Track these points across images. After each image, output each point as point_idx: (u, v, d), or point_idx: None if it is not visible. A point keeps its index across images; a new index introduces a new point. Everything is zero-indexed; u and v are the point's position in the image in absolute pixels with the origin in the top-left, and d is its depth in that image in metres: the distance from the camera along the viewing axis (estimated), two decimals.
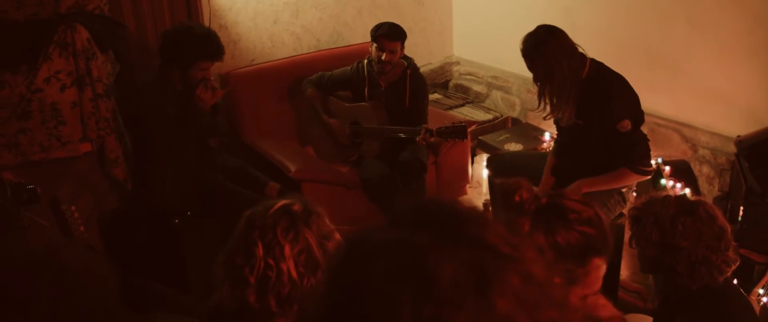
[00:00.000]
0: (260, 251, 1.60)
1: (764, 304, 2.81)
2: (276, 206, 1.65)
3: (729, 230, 1.98)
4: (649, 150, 3.19)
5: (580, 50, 3.09)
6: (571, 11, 4.38)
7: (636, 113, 3.12)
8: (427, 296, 0.69)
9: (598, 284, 1.70)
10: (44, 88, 3.19)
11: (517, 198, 1.65)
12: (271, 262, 1.59)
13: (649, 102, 3.17)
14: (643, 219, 2.07)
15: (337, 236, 1.83)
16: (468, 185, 4.55)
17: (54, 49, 3.19)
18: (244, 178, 3.61)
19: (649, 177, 3.22)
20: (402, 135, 3.87)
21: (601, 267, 1.68)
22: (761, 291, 2.85)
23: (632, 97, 3.12)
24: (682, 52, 3.96)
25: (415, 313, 0.68)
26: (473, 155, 4.66)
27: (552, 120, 3.37)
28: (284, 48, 4.62)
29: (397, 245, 0.74)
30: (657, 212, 2.03)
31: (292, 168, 3.76)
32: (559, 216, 1.63)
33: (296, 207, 1.67)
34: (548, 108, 3.18)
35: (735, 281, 2.99)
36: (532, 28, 3.17)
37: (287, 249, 1.60)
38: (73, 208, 2.53)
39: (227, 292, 1.66)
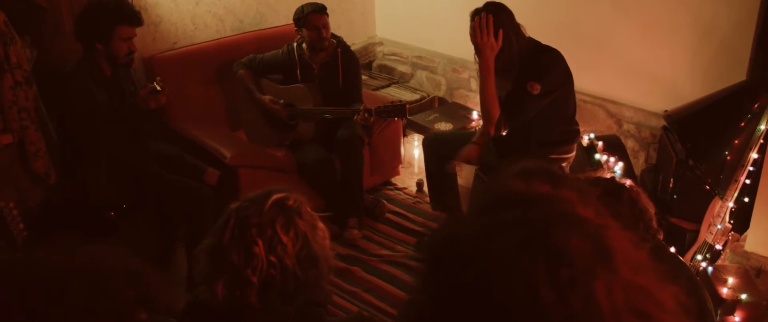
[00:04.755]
0: (261, 249, 1.54)
1: (703, 269, 2.97)
2: (269, 202, 1.59)
3: (651, 211, 2.06)
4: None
5: (522, 29, 3.14)
6: None
7: (552, 87, 3.15)
8: (560, 265, 0.69)
9: None
10: None
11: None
12: (274, 259, 1.54)
13: (575, 79, 3.27)
14: None
15: (320, 223, 1.79)
16: (400, 165, 4.56)
17: None
18: (180, 165, 3.47)
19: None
20: (339, 116, 3.82)
21: None
22: (699, 257, 3.01)
23: (558, 72, 3.17)
24: (607, 30, 4.10)
25: (552, 280, 0.68)
26: (403, 135, 4.67)
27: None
28: (207, 30, 4.45)
29: (513, 223, 0.73)
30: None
31: (228, 154, 3.64)
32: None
33: (290, 202, 1.62)
34: None
35: (672, 249, 3.15)
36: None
37: (289, 246, 1.56)
38: (11, 205, 2.34)
39: (223, 292, 1.57)
